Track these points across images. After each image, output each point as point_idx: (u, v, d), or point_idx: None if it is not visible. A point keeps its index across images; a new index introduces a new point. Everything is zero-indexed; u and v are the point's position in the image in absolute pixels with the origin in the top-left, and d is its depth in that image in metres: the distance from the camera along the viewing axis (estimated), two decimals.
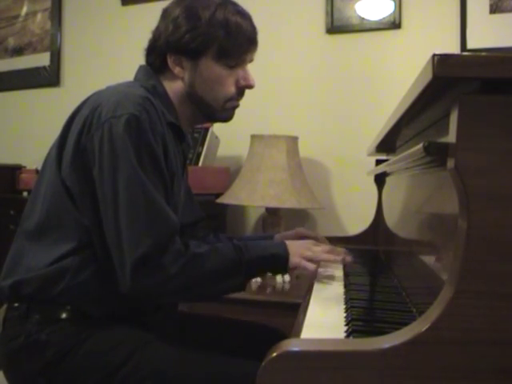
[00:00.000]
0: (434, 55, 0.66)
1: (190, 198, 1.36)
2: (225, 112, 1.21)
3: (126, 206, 0.99)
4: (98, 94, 1.12)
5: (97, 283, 1.05)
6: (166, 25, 1.16)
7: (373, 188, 1.90)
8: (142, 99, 1.05)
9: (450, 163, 0.68)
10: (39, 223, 1.08)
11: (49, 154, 1.15)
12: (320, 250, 1.20)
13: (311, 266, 1.15)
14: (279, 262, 1.14)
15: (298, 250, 1.16)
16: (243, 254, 1.08)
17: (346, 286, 1.17)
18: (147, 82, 1.17)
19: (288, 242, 1.17)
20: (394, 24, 2.22)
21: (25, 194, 2.46)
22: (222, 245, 1.12)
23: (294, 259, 1.14)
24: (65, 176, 1.06)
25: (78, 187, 1.05)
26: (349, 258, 1.26)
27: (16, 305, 1.06)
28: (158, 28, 1.19)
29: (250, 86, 1.21)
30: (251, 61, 1.22)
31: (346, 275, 1.29)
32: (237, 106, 1.23)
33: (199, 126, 2.22)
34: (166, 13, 1.18)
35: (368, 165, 1.93)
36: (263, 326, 1.33)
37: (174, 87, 1.18)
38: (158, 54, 1.17)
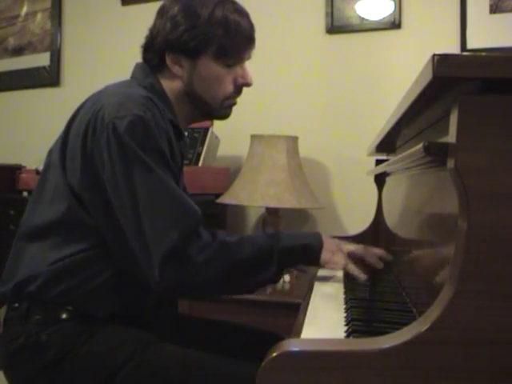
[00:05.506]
0: (434, 55, 0.66)
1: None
2: (223, 110, 1.21)
3: (146, 203, 0.98)
4: (97, 96, 1.11)
5: (98, 284, 1.05)
6: (164, 22, 1.14)
7: (373, 188, 1.89)
8: (144, 99, 1.05)
9: (450, 163, 0.68)
10: (41, 226, 1.08)
11: (50, 157, 1.13)
12: (353, 249, 1.18)
13: (341, 264, 1.13)
14: (311, 253, 1.12)
15: (332, 247, 1.14)
16: (275, 243, 1.06)
17: (345, 286, 1.16)
18: (145, 81, 1.16)
19: (324, 235, 1.16)
20: (394, 24, 2.22)
21: (25, 194, 2.46)
22: (252, 234, 1.09)
23: (326, 254, 1.13)
24: (73, 181, 1.05)
25: (89, 192, 1.04)
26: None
27: (16, 305, 1.06)
28: (155, 25, 1.17)
29: (248, 84, 1.21)
30: (249, 58, 1.21)
31: (346, 275, 1.29)
32: (234, 103, 1.22)
33: (199, 125, 2.22)
34: (163, 10, 1.17)
35: (368, 165, 1.93)
36: (262, 330, 1.32)
37: (172, 86, 1.18)
38: (156, 52, 1.16)
